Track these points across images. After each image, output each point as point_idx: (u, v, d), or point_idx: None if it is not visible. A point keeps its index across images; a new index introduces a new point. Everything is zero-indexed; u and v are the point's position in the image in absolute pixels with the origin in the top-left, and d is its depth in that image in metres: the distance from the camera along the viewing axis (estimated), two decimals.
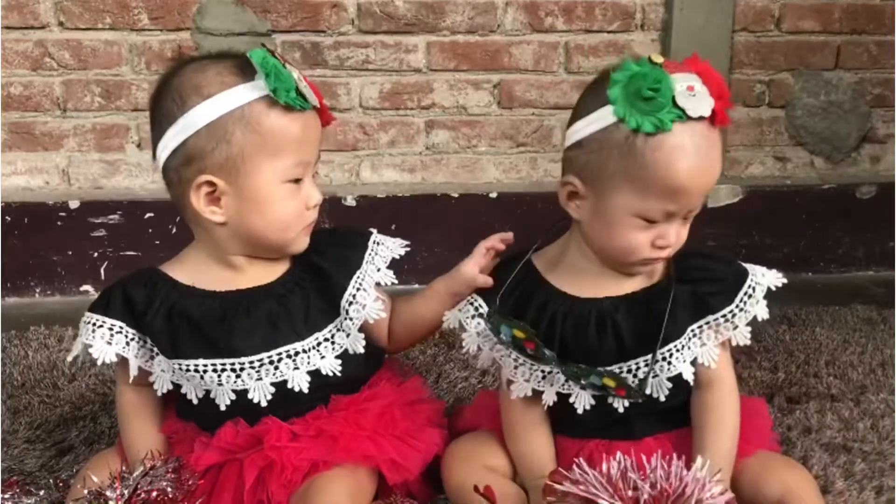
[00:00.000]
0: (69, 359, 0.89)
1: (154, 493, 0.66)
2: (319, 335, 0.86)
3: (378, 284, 0.88)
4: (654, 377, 0.85)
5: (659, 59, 0.81)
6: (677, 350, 0.85)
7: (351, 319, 0.86)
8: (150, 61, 1.77)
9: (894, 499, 0.90)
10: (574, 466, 0.76)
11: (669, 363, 0.85)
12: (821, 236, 1.90)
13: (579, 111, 0.85)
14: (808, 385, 1.21)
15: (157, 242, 1.75)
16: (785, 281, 0.91)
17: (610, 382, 0.83)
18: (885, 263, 1.90)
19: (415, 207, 1.81)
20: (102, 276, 1.76)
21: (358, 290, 0.87)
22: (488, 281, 0.88)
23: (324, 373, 0.85)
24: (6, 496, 0.84)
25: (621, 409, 0.86)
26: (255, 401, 0.83)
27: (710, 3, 1.84)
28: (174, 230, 1.75)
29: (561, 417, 0.88)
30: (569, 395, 0.86)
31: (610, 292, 0.87)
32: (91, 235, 1.75)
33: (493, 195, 1.83)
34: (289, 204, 0.83)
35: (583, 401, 0.86)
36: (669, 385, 0.85)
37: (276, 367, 0.83)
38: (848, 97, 1.93)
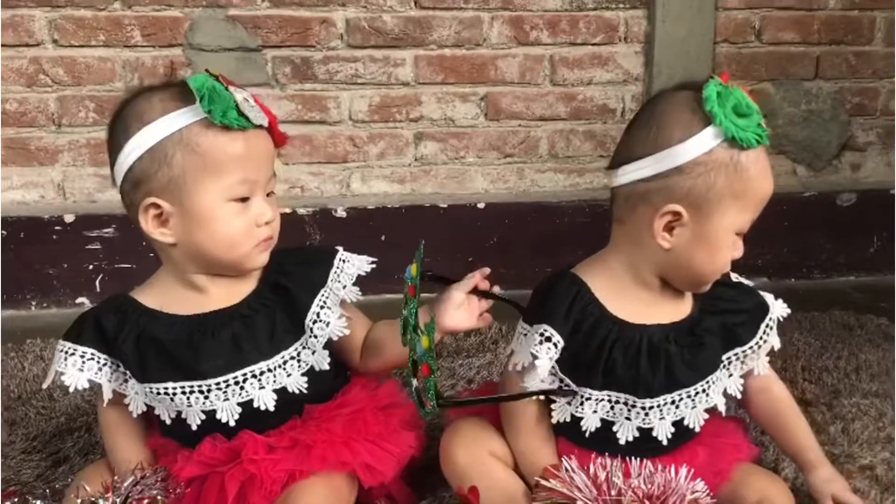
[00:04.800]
0: (44, 386, 0.91)
1: (145, 501, 0.70)
2: (285, 353, 0.87)
3: (344, 302, 0.90)
4: (691, 408, 0.86)
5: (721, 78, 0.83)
6: (713, 382, 0.87)
7: (316, 337, 0.88)
8: (143, 77, 1.80)
9: (861, 501, 0.93)
10: (563, 466, 0.78)
11: (707, 395, 0.87)
12: (803, 243, 1.94)
13: (667, 138, 0.83)
14: None
15: (151, 255, 1.74)
16: (789, 311, 0.94)
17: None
18: (866, 269, 1.94)
19: (404, 218, 1.84)
20: (98, 289, 1.78)
21: (322, 308, 0.88)
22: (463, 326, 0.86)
23: (290, 390, 0.87)
24: None
25: (665, 442, 0.86)
26: (224, 420, 0.85)
27: (692, 15, 1.88)
28: None
29: (591, 438, 0.87)
30: (613, 424, 0.86)
31: (659, 319, 0.87)
32: (86, 248, 1.78)
33: (481, 205, 1.86)
34: (235, 222, 0.84)
35: (626, 432, 0.86)
36: (706, 416, 0.87)
37: (242, 388, 0.85)
38: (828, 106, 1.97)
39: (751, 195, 0.84)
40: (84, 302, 1.79)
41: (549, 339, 0.85)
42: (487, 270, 0.88)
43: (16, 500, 0.89)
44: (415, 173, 1.92)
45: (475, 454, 0.88)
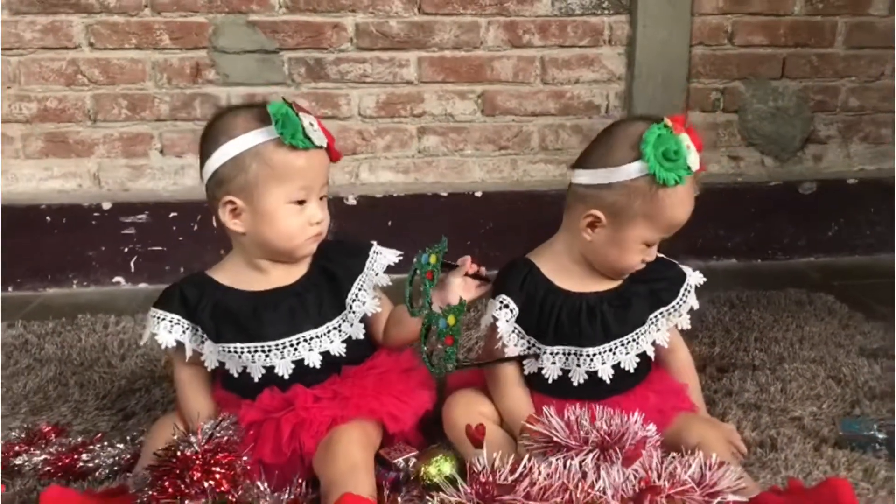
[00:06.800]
0: (142, 343, 1.10)
1: (225, 439, 0.90)
2: (329, 324, 1.07)
3: (376, 286, 1.11)
4: (625, 354, 1.08)
5: (670, 123, 1.01)
6: (642, 334, 1.10)
7: (354, 313, 1.08)
8: (171, 77, 1.98)
9: (783, 440, 1.14)
10: (543, 413, 0.98)
11: (637, 343, 1.09)
12: (768, 228, 2.13)
13: (608, 159, 1.03)
14: (736, 357, 1.44)
15: (181, 239, 1.97)
16: (705, 279, 1.15)
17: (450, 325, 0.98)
18: (824, 251, 2.14)
19: (409, 206, 2.03)
20: (132, 269, 1.97)
21: (360, 290, 1.09)
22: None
23: (332, 353, 1.07)
24: (97, 447, 1.08)
25: (608, 380, 1.07)
26: (280, 374, 1.05)
27: (670, 20, 2.06)
28: (196, 227, 1.97)
29: (554, 385, 1.09)
30: (568, 371, 1.08)
31: (594, 288, 1.10)
32: (122, 233, 1.96)
33: (479, 194, 2.05)
34: (293, 220, 1.04)
35: (578, 377, 1.08)
36: (637, 360, 1.09)
37: (296, 349, 1.05)
38: (793, 103, 2.17)
39: (662, 220, 1.03)
40: (120, 281, 1.98)
41: (506, 306, 1.08)
42: (468, 257, 1.07)
43: (105, 443, 1.10)
44: (418, 164, 2.11)
45: (470, 415, 1.08)
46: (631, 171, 1.01)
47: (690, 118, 2.13)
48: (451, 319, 0.98)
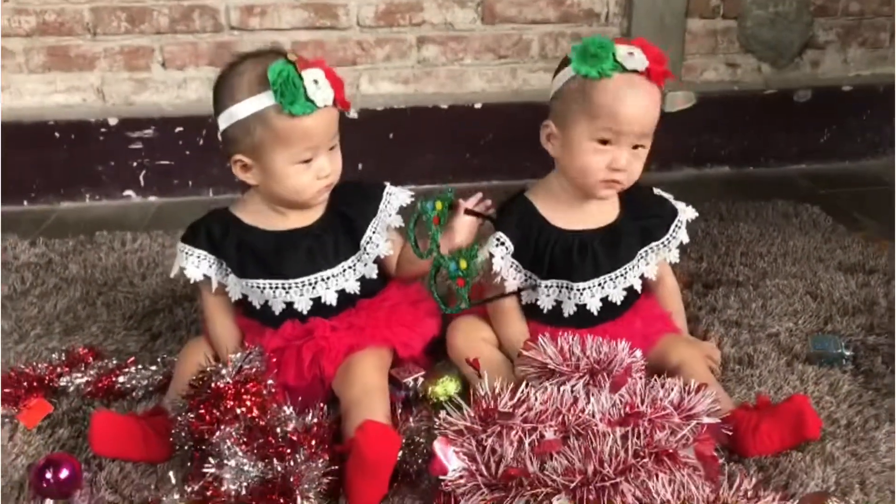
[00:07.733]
0: (172, 275, 1.18)
1: (252, 369, 0.99)
2: (345, 264, 1.15)
3: (389, 227, 1.17)
4: (613, 288, 1.16)
5: (611, 41, 1.09)
6: (630, 269, 1.17)
7: (368, 254, 1.15)
8: None
9: (760, 357, 1.24)
10: (539, 340, 1.08)
11: (625, 278, 1.17)
12: (762, 135, 2.18)
13: (554, 75, 1.14)
14: (722, 273, 1.52)
15: (188, 153, 2.02)
16: (696, 214, 1.22)
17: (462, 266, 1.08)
18: (815, 158, 2.19)
19: (410, 119, 2.06)
20: (142, 183, 2.03)
21: (374, 232, 1.16)
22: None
23: (348, 291, 1.15)
24: (132, 369, 1.18)
25: (595, 312, 1.15)
26: (300, 309, 1.13)
27: None
28: (202, 142, 2.01)
29: (548, 314, 1.18)
30: (561, 303, 1.17)
31: (588, 226, 1.16)
32: (129, 148, 2.01)
33: (478, 105, 2.08)
34: (300, 177, 1.08)
35: (568, 308, 1.16)
36: (624, 293, 1.17)
37: (314, 287, 1.13)
38: (793, 8, 2.15)
39: (600, 114, 1.07)
40: (131, 195, 2.04)
41: (502, 243, 1.15)
42: (480, 194, 1.15)
43: (139, 366, 1.20)
44: (417, 75, 2.12)
45: (470, 339, 1.18)
46: (564, 76, 1.11)
47: (688, 27, 2.13)
48: (462, 263, 1.06)
